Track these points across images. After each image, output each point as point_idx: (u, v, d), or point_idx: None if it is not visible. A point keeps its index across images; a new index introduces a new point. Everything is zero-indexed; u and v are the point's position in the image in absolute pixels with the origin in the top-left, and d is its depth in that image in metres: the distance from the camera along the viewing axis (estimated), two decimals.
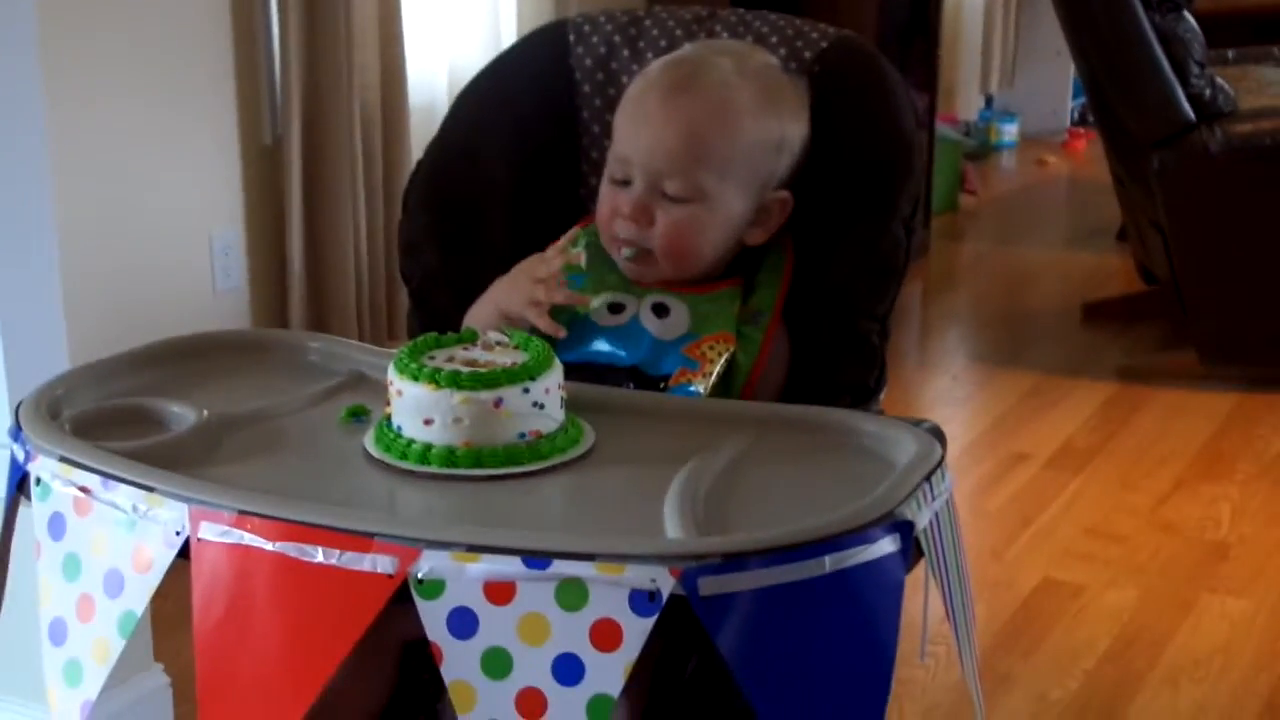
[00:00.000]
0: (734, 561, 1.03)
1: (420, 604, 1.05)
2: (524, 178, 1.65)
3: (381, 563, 1.06)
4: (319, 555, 1.08)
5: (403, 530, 1.07)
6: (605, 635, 1.03)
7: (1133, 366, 3.78)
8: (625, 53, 1.65)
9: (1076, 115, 6.74)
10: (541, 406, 1.25)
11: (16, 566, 1.33)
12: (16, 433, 1.26)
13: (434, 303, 1.61)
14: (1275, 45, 4.51)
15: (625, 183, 1.48)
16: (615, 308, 1.48)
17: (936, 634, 1.36)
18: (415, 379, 1.24)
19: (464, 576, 1.05)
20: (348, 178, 3.13)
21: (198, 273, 3.02)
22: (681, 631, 1.05)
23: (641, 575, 1.02)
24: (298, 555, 1.08)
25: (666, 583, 1.02)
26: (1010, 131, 6.54)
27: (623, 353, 1.45)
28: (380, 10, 3.23)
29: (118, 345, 1.46)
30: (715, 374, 1.43)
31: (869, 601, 1.09)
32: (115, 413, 1.34)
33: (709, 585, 1.02)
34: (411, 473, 1.23)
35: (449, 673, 1.05)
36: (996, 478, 3.12)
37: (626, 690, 1.03)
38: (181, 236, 2.98)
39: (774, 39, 1.60)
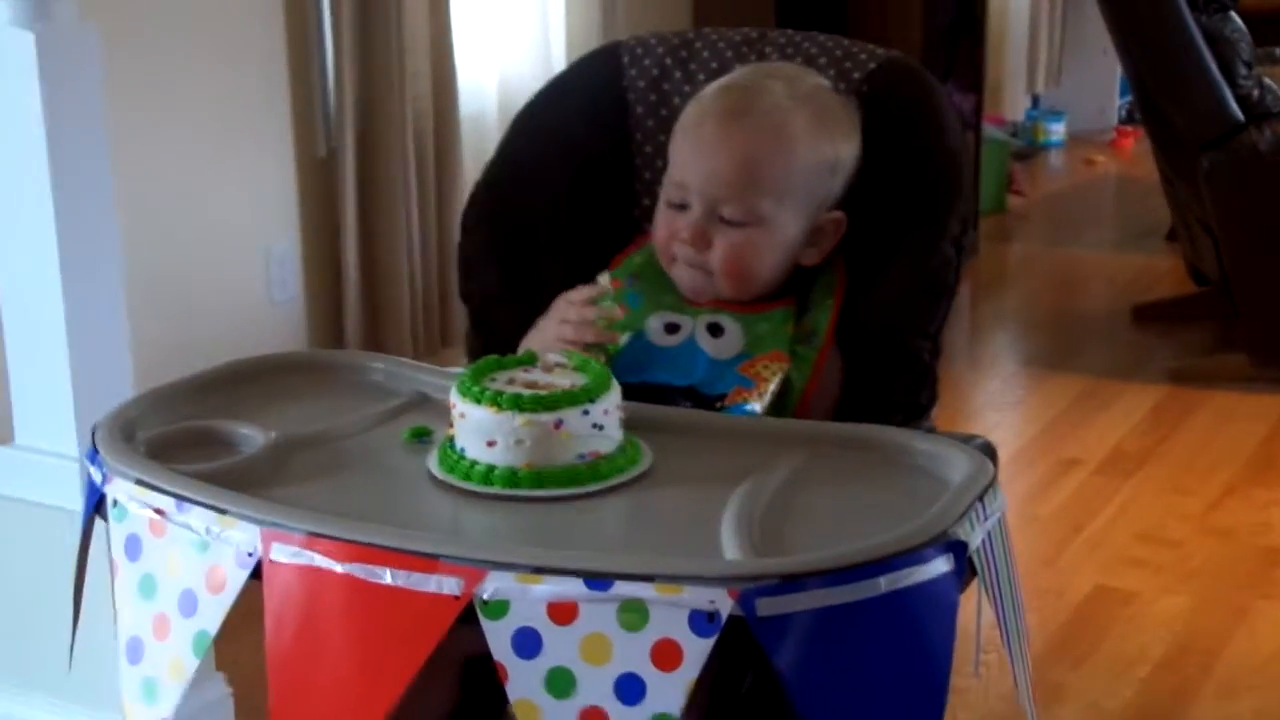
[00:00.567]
0: (791, 583, 1.06)
1: (485, 624, 1.08)
2: (580, 198, 1.68)
3: (447, 584, 1.10)
4: (387, 577, 1.11)
5: (468, 552, 1.11)
6: (666, 655, 1.06)
7: (1183, 369, 3.77)
8: (677, 74, 1.68)
9: (1124, 113, 6.70)
10: (601, 428, 1.28)
11: (91, 583, 1.37)
12: (94, 455, 1.30)
13: (493, 322, 1.64)
14: None
15: (683, 206, 1.51)
16: (671, 328, 1.51)
17: (989, 641, 1.38)
18: (478, 402, 1.27)
19: (528, 597, 1.08)
20: (401, 189, 3.18)
21: (254, 285, 3.07)
22: (738, 649, 1.07)
23: (701, 596, 1.05)
24: (366, 576, 1.12)
25: (725, 604, 1.05)
26: (1057, 131, 6.51)
27: (679, 373, 1.48)
28: (431, 22, 3.27)
29: (177, 357, 1.50)
30: (771, 393, 1.45)
31: (923, 621, 1.11)
32: (187, 434, 1.38)
33: (766, 606, 1.05)
34: (475, 493, 1.27)
35: (514, 692, 1.08)
36: (1047, 484, 3.12)
37: (686, 708, 1.06)
38: (238, 249, 3.03)
39: (823, 60, 1.63)
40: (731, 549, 1.15)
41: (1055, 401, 3.61)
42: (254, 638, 1.18)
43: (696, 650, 1.05)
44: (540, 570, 1.08)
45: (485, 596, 1.08)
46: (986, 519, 1.20)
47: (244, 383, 1.50)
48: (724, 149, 1.49)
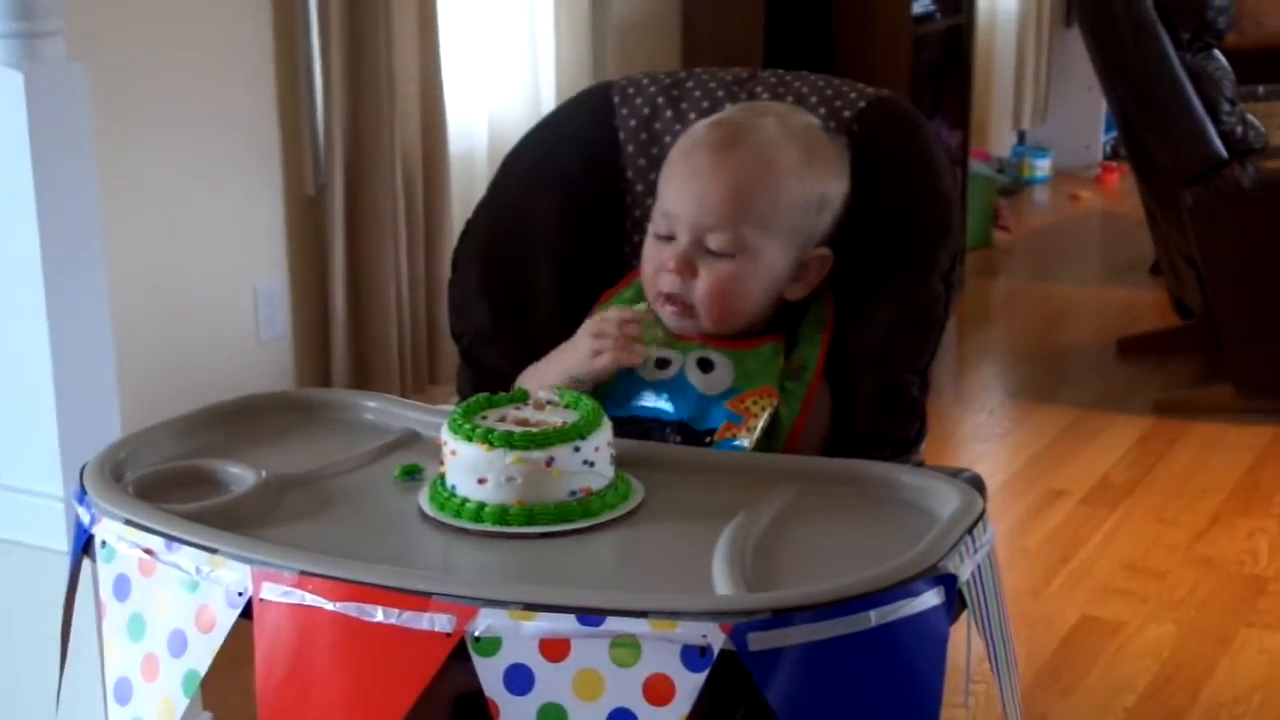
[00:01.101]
0: (783, 617, 1.06)
1: (477, 661, 1.09)
2: (571, 236, 1.69)
3: (439, 621, 1.10)
4: (379, 615, 1.11)
5: (460, 589, 1.11)
6: (658, 690, 1.06)
7: (1169, 401, 3.78)
8: (668, 113, 1.69)
9: (1109, 149, 6.73)
10: (592, 464, 1.28)
11: (78, 625, 1.37)
12: (82, 495, 1.30)
13: (485, 360, 1.65)
14: None
15: (669, 238, 1.52)
16: (661, 363, 1.52)
17: (978, 672, 1.38)
18: (469, 439, 1.27)
19: (520, 634, 1.08)
20: (389, 227, 3.18)
21: (242, 322, 3.07)
22: (730, 683, 1.08)
23: (693, 632, 1.06)
24: (358, 615, 1.12)
25: (717, 638, 1.05)
26: (1043, 166, 6.54)
27: (670, 407, 1.49)
28: (421, 61, 3.28)
29: (165, 394, 1.50)
30: (759, 428, 1.46)
31: (913, 654, 1.11)
32: (176, 474, 1.38)
33: (758, 640, 1.06)
34: (466, 531, 1.27)
35: None
36: (1034, 514, 3.13)
37: None
38: (226, 287, 3.03)
39: (813, 99, 1.64)
40: (723, 584, 1.15)
41: (1042, 433, 3.62)
42: (242, 677, 1.18)
43: (689, 685, 1.06)
44: (532, 607, 1.08)
45: (477, 634, 1.08)
46: (976, 552, 1.21)
47: (233, 422, 1.50)
48: (714, 178, 1.50)
